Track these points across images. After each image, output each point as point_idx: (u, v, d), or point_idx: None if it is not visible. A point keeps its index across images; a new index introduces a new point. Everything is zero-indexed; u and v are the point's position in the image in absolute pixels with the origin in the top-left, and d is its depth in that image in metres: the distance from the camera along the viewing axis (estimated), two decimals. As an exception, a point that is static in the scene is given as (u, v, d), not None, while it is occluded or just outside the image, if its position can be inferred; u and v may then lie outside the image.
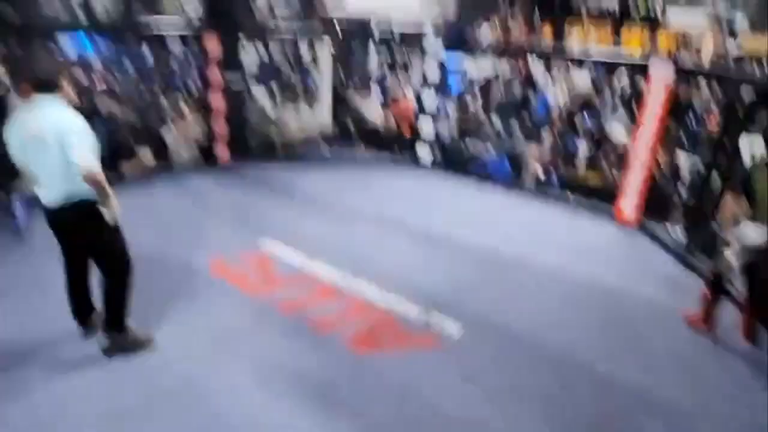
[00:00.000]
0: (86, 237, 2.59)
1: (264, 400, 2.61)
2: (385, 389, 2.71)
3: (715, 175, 3.85)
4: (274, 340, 3.06)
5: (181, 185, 5.40)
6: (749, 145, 2.96)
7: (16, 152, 2.46)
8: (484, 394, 2.73)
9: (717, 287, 3.23)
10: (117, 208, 2.56)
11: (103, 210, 2.50)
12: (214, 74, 5.67)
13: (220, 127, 5.88)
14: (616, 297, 3.71)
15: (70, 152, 2.35)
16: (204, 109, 6.06)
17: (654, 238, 4.59)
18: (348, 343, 3.05)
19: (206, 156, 5.95)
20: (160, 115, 6.16)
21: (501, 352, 3.06)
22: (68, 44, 5.25)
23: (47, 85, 2.43)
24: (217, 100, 5.76)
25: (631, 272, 4.05)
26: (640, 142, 4.61)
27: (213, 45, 5.58)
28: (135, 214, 4.49)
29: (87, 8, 5.08)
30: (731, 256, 3.04)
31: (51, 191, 2.47)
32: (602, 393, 2.77)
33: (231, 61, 5.87)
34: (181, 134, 5.90)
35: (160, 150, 5.74)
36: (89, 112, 6.19)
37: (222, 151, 5.94)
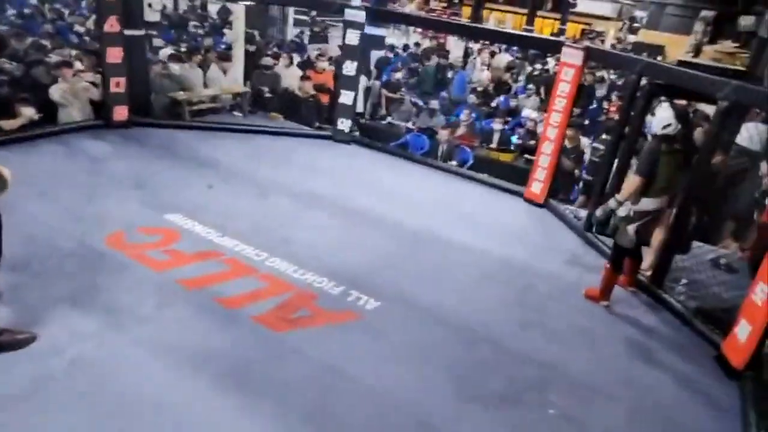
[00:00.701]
0: None
1: (170, 380, 2.46)
2: (304, 366, 2.66)
3: (617, 157, 4.13)
4: (179, 319, 2.87)
5: (72, 148, 4.84)
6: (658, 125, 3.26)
7: None
8: (397, 366, 2.78)
9: (616, 259, 3.52)
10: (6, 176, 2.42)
11: None
12: (113, 26, 5.08)
13: (119, 86, 5.31)
14: (525, 272, 3.92)
15: None
16: (100, 65, 5.44)
17: (560, 216, 4.89)
18: (262, 322, 2.93)
19: (102, 117, 5.38)
20: (47, 69, 5.44)
21: (414, 326, 3.12)
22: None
23: None
24: (115, 56, 5.18)
25: (538, 249, 4.30)
26: (549, 125, 4.84)
27: (110, -7, 4.99)
28: (16, 181, 4.02)
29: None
30: (628, 227, 3.34)
31: None
32: (510, 364, 2.93)
33: (133, 13, 5.29)
34: (72, 91, 5.25)
35: (47, 107, 5.08)
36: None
37: (120, 112, 5.39)
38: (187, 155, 5.14)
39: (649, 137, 3.44)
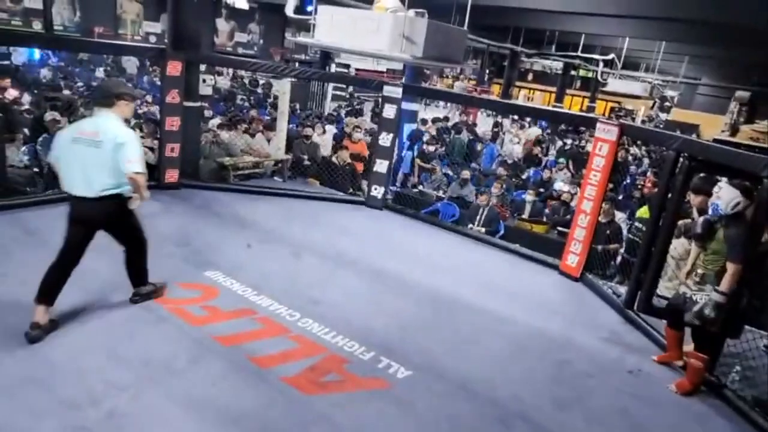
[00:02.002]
0: (117, 220, 3.23)
1: (199, 440, 2.44)
2: (330, 432, 2.61)
3: (660, 232, 4.06)
4: (212, 375, 2.89)
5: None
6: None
7: (59, 152, 3.12)
8: (430, 439, 2.68)
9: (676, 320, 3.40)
10: (145, 199, 3.18)
11: (134, 199, 3.15)
12: (174, 98, 5.55)
13: (174, 151, 5.71)
14: (561, 347, 3.80)
15: (122, 157, 2.99)
16: (158, 132, 5.90)
17: (597, 291, 4.78)
18: (292, 383, 2.92)
19: (155, 179, 5.74)
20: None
21: (445, 399, 3.04)
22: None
23: (104, 102, 3.10)
24: (173, 124, 5.62)
25: (575, 324, 4.18)
26: (584, 198, 4.87)
27: (175, 70, 5.50)
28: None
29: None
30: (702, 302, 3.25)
31: (90, 184, 3.03)
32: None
33: (191, 87, 5.78)
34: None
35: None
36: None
37: (171, 175, 5.74)
38: (229, 216, 5.37)
39: (712, 220, 3.38)
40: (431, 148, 8.98)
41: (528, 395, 3.18)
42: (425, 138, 9.37)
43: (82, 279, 3.60)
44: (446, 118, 13.29)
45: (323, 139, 8.38)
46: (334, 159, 7.45)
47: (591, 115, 8.67)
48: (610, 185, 5.20)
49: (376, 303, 4.03)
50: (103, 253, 4.03)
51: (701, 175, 3.71)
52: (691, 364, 3.40)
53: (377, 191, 6.30)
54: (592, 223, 4.85)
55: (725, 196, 3.21)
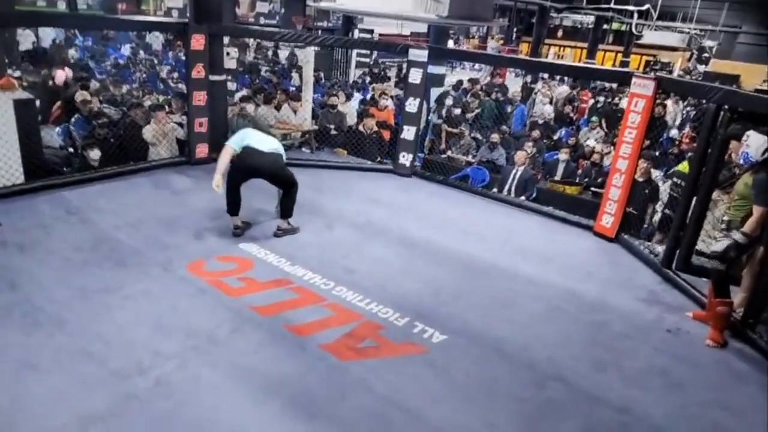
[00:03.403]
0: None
1: (245, 405, 2.54)
2: (368, 397, 2.67)
3: (700, 188, 3.93)
4: (252, 345, 2.99)
5: (159, 183, 5.26)
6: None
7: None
8: (466, 402, 2.72)
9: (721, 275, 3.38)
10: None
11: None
12: (199, 72, 5.56)
13: (202, 126, 5.76)
14: (597, 309, 3.76)
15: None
16: (186, 106, 5.94)
17: (634, 252, 4.67)
18: (329, 350, 2.99)
19: (186, 154, 5.83)
20: (143, 112, 6.00)
21: (481, 362, 3.06)
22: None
23: None
24: (200, 99, 5.65)
25: (611, 285, 4.11)
26: (620, 156, 4.71)
27: (199, 44, 5.49)
28: (111, 212, 4.42)
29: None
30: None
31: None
32: (584, 408, 2.78)
33: (216, 61, 5.77)
34: (161, 132, 5.75)
35: (141, 145, 5.60)
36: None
37: (201, 150, 5.82)
38: (259, 189, 5.37)
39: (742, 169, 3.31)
40: (457, 111, 8.79)
41: (564, 357, 3.17)
42: (449, 102, 9.16)
43: (118, 253, 3.75)
44: (471, 80, 12.94)
45: (348, 107, 8.30)
46: (360, 127, 7.38)
47: (626, 69, 8.27)
48: (647, 142, 5.00)
49: (409, 270, 4.05)
50: (135, 227, 4.21)
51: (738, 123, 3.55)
52: (717, 311, 3.39)
53: (405, 158, 6.23)
54: (628, 182, 4.70)
55: (754, 143, 3.11)
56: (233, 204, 4.25)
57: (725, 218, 3.52)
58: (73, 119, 6.12)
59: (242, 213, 4.37)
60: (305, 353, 2.95)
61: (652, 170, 5.72)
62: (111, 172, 5.21)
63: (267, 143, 4.27)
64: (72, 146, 5.92)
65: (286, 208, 4.40)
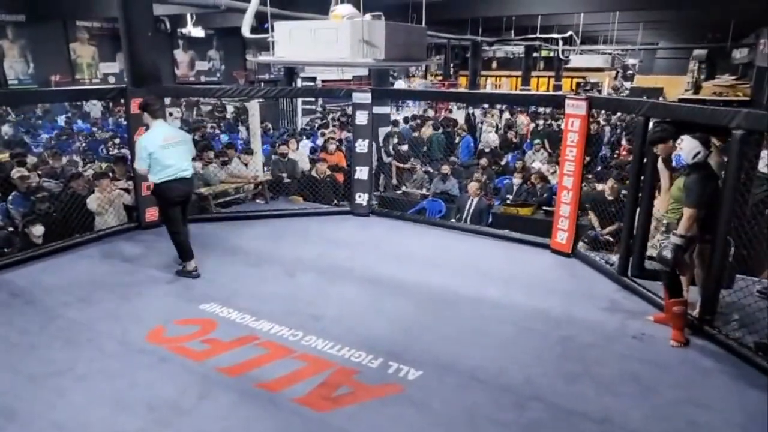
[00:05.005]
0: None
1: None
2: (350, 445, 2.58)
3: (641, 195, 4.14)
4: (223, 409, 2.85)
5: (109, 252, 5.05)
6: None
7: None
8: (450, 436, 2.67)
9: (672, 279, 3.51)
10: None
11: None
12: (141, 134, 5.47)
13: (149, 189, 5.61)
14: (563, 323, 3.83)
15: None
16: (130, 171, 5.80)
17: (590, 264, 4.83)
18: (304, 403, 2.89)
19: (135, 219, 5.65)
20: (85, 182, 5.82)
21: (460, 392, 3.03)
22: None
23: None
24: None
25: (573, 298, 4.21)
26: (564, 174, 4.93)
27: (139, 107, 5.41)
28: (59, 288, 4.19)
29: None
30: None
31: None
32: (565, 423, 2.80)
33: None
34: (107, 200, 5.57)
35: (85, 216, 5.39)
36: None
37: (151, 213, 5.66)
38: (216, 245, 5.31)
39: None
40: (405, 147, 9.01)
41: (538, 375, 3.19)
42: (394, 140, 9.40)
43: (69, 331, 3.55)
44: (414, 117, 13.35)
45: (299, 154, 8.37)
46: (313, 173, 7.43)
47: (559, 93, 8.79)
48: (587, 159, 5.28)
49: (376, 309, 4.02)
50: (85, 301, 4.01)
51: (657, 127, 3.80)
52: (674, 312, 3.52)
53: (362, 198, 6.29)
54: (576, 198, 4.90)
55: (686, 147, 3.35)
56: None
57: (664, 221, 3.72)
58: (10, 197, 5.86)
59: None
60: (280, 410, 2.84)
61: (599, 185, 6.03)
62: (56, 247, 4.97)
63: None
64: (11, 225, 5.64)
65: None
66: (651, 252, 4.07)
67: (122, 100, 5.60)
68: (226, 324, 3.72)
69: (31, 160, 7.43)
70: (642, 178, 4.14)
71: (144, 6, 5.72)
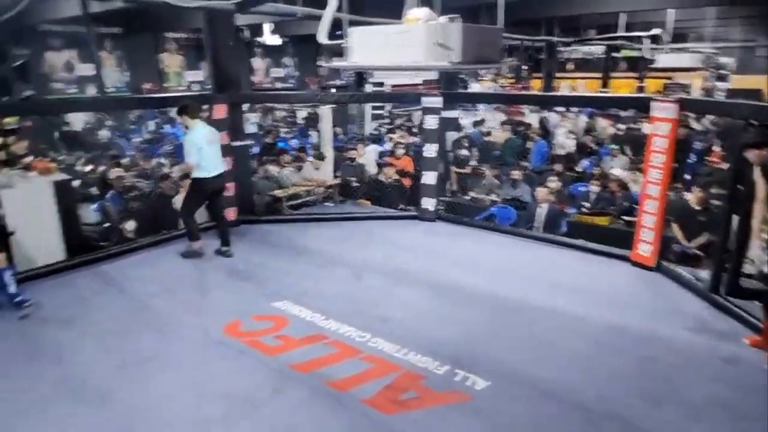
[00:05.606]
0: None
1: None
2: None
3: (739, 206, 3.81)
4: (293, 403, 2.94)
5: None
6: None
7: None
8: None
9: None
10: None
11: None
12: (224, 139, 5.79)
13: (230, 190, 5.93)
14: (644, 341, 3.60)
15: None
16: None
17: (677, 279, 4.49)
18: (371, 405, 2.92)
19: (214, 218, 5.98)
20: (173, 183, 6.23)
21: (529, 406, 2.93)
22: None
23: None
24: (226, 164, 5.85)
25: (657, 316, 3.94)
26: (649, 182, 4.63)
27: (221, 113, 5.76)
28: (147, 280, 4.53)
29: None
30: None
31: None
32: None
33: (237, 127, 6.02)
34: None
35: (172, 215, 5.79)
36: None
37: (230, 213, 5.97)
38: (288, 245, 5.50)
39: None
40: (465, 152, 8.84)
41: (615, 394, 3.01)
42: (466, 143, 9.24)
43: (156, 321, 3.81)
44: (482, 121, 13.08)
45: (366, 158, 8.47)
46: (380, 177, 7.51)
47: (644, 95, 8.29)
48: (675, 165, 4.93)
49: (442, 315, 3.98)
50: (171, 292, 4.29)
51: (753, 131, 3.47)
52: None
53: (428, 203, 6.26)
54: (662, 208, 4.59)
55: None
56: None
57: (764, 236, 3.36)
58: (108, 195, 6.41)
59: (256, 270, 4.64)
60: (348, 409, 2.89)
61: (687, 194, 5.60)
62: (146, 243, 5.38)
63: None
64: (108, 221, 6.16)
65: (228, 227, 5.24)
66: (749, 268, 3.72)
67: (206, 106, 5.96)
68: (297, 321, 3.85)
69: (124, 162, 8.09)
70: (739, 187, 3.80)
71: (227, 17, 6.06)
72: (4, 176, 5.00)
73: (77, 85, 14.66)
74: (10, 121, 8.12)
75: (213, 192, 5.02)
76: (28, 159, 5.81)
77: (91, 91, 14.32)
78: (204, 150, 4.74)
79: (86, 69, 14.25)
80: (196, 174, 4.83)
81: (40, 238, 4.68)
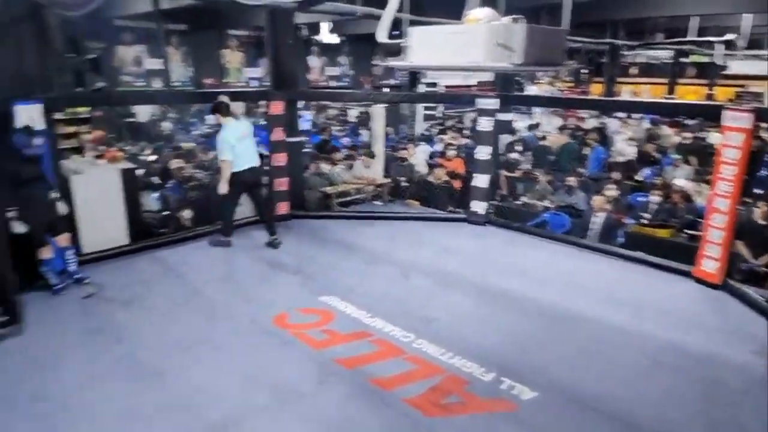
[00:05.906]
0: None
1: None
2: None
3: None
4: (337, 397, 2.97)
5: (245, 239, 5.54)
6: None
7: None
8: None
9: None
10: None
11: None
12: (278, 135, 5.94)
13: (282, 185, 6.08)
14: (706, 362, 3.39)
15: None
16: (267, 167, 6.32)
17: (744, 299, 4.21)
18: (414, 405, 2.90)
19: (258, 212, 6.13)
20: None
21: (581, 421, 2.82)
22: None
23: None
24: (280, 159, 6.00)
25: (722, 336, 3.71)
26: (718, 195, 4.36)
27: (277, 109, 5.89)
28: (202, 268, 4.71)
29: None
30: None
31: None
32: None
33: (292, 124, 6.15)
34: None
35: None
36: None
37: (282, 207, 6.11)
38: (337, 242, 5.57)
39: None
40: (516, 156, 8.62)
41: (675, 417, 2.85)
42: (520, 147, 9.03)
43: (209, 307, 3.95)
44: (537, 125, 12.74)
45: (417, 158, 8.44)
46: (430, 178, 7.46)
47: (716, 103, 7.80)
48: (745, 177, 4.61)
49: (489, 321, 3.90)
50: (223, 281, 4.43)
51: None
52: None
53: (479, 206, 6.16)
54: (731, 222, 4.31)
55: None
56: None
57: None
58: (168, 184, 6.70)
59: (305, 264, 4.75)
60: (390, 408, 2.88)
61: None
62: (202, 231, 5.59)
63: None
64: (167, 209, 6.45)
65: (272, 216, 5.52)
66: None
67: (263, 102, 6.12)
68: (343, 317, 3.88)
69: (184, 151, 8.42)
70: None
71: (287, 16, 6.20)
72: (75, 163, 5.34)
73: (145, 78, 15.43)
74: (83, 111, 8.66)
75: (249, 186, 5.13)
76: (102, 147, 6.16)
77: (157, 84, 15.02)
78: (236, 147, 4.87)
79: (154, 63, 14.95)
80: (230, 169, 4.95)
81: (108, 223, 4.96)
